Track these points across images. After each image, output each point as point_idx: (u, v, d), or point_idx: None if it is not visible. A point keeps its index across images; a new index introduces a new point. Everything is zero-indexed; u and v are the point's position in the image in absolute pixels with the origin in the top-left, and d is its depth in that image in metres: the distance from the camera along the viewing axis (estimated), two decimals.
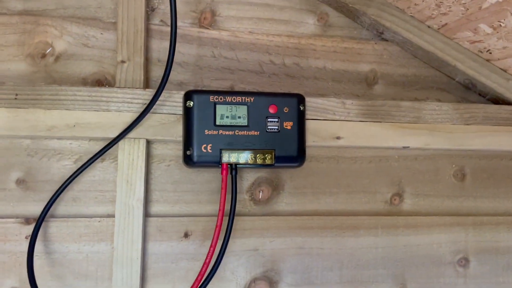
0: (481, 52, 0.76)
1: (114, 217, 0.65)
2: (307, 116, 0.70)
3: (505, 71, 0.78)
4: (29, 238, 0.62)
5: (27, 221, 0.65)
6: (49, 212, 0.63)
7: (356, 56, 0.79)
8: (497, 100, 0.80)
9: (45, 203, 0.63)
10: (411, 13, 0.76)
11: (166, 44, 0.66)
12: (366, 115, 0.73)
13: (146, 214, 0.68)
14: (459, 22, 0.71)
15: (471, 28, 0.71)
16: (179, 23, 0.72)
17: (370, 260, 0.75)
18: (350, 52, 0.79)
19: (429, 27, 0.76)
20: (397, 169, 0.78)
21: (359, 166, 0.76)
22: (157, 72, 0.71)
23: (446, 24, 0.73)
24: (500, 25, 0.66)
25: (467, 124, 0.76)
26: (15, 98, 0.63)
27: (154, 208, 0.69)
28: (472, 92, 0.82)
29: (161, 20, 0.73)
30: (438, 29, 0.76)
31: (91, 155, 0.64)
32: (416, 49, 0.78)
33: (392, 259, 0.75)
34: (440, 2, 0.68)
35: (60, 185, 0.64)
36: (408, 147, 0.76)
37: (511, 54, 0.73)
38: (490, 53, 0.75)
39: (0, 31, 0.68)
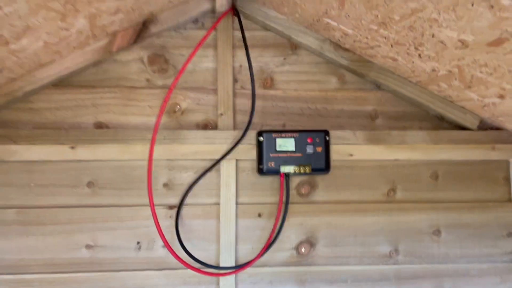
0: (445, 98, 1.18)
1: (219, 204, 1.14)
2: (332, 142, 1.15)
3: (463, 107, 1.19)
4: (174, 217, 1.12)
5: (170, 207, 1.15)
6: (183, 202, 1.12)
7: (363, 101, 1.23)
8: (459, 126, 1.21)
9: (180, 197, 1.13)
10: (398, 73, 1.18)
11: (245, 101, 1.14)
12: (369, 140, 1.17)
13: (236, 203, 1.16)
14: (428, 80, 1.13)
15: (435, 84, 1.13)
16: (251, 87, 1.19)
17: (374, 231, 1.19)
18: (360, 99, 1.23)
19: (410, 81, 1.19)
20: (391, 173, 1.21)
21: (366, 172, 1.20)
22: (240, 118, 1.19)
23: (420, 81, 1.16)
24: (451, 85, 1.08)
25: (436, 144, 1.18)
26: (164, 138, 1.13)
27: (241, 199, 1.17)
28: (443, 122, 1.24)
29: (241, 87, 1.20)
30: (416, 83, 1.18)
31: (205, 169, 1.13)
32: (402, 96, 1.21)
33: (388, 230, 1.19)
34: (413, 70, 1.10)
35: (188, 187, 1.13)
36: (398, 159, 1.19)
37: (464, 99, 1.14)
38: (451, 97, 1.16)
39: (151, 97, 1.17)
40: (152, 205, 1.07)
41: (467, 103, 1.15)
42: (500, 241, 1.21)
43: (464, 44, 0.88)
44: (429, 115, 1.24)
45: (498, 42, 0.82)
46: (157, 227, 1.07)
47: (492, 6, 0.73)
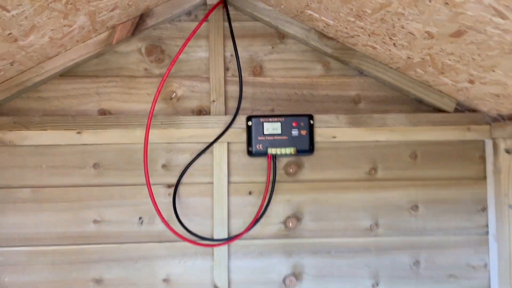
0: (423, 82, 1.26)
1: (213, 183, 1.24)
2: (316, 125, 1.25)
3: (440, 91, 1.27)
4: (171, 194, 1.23)
5: (168, 186, 1.26)
6: (180, 181, 1.24)
7: (347, 86, 1.31)
8: (437, 109, 1.29)
9: (177, 177, 1.24)
10: (378, 60, 1.26)
11: (236, 88, 1.24)
12: (351, 123, 1.26)
13: (229, 182, 1.26)
14: (406, 67, 1.21)
15: (413, 70, 1.21)
16: (242, 75, 1.28)
17: (356, 207, 1.29)
18: (343, 84, 1.31)
19: (390, 67, 1.27)
20: (373, 154, 1.30)
21: (348, 152, 1.30)
22: (232, 104, 1.28)
23: (399, 67, 1.24)
24: (426, 71, 1.16)
25: (415, 126, 1.27)
26: (161, 123, 1.23)
27: (233, 178, 1.27)
28: (422, 105, 1.31)
29: (232, 75, 1.29)
30: (396, 69, 1.26)
31: (199, 151, 1.24)
32: (384, 81, 1.29)
33: (369, 206, 1.29)
34: (391, 57, 1.18)
35: (184, 167, 1.24)
36: (378, 140, 1.28)
37: (439, 83, 1.21)
38: (428, 82, 1.24)
39: (149, 85, 1.27)
40: (148, 184, 1.19)
41: (443, 87, 1.22)
42: (475, 216, 1.30)
43: (430, 35, 0.96)
44: (409, 98, 1.32)
45: (458, 34, 0.89)
46: (153, 204, 1.19)
47: (447, 3, 0.80)
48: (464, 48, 0.94)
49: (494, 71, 0.98)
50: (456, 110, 1.29)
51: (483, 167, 1.31)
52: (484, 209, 1.30)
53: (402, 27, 0.98)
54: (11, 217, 1.22)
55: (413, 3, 0.86)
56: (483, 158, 1.31)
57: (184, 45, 1.20)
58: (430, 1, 0.82)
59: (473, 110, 1.28)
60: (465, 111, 1.29)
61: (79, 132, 1.21)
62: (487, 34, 0.84)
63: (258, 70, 1.30)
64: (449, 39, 0.93)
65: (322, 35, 1.26)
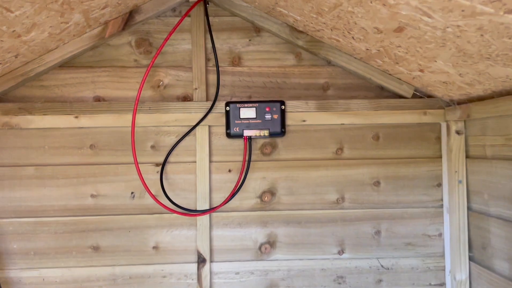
0: (384, 71, 1.40)
1: (196, 162, 1.40)
2: (287, 110, 1.40)
3: (399, 79, 1.41)
4: (159, 172, 1.39)
5: (156, 164, 1.42)
6: (167, 160, 1.39)
7: (317, 75, 1.46)
8: (397, 95, 1.44)
9: (164, 156, 1.39)
10: (344, 51, 1.40)
11: (216, 76, 1.39)
12: (319, 108, 1.41)
13: (210, 161, 1.42)
14: (367, 57, 1.35)
15: (373, 60, 1.35)
16: (222, 64, 1.43)
17: (324, 183, 1.45)
18: (314, 73, 1.46)
19: (355, 58, 1.41)
20: (339, 135, 1.45)
21: (317, 134, 1.45)
22: (212, 92, 1.43)
23: (362, 57, 1.38)
24: (384, 61, 1.30)
25: (376, 110, 1.42)
26: (149, 108, 1.38)
27: (214, 158, 1.43)
28: (384, 91, 1.46)
29: (213, 64, 1.44)
30: (359, 59, 1.40)
31: (183, 134, 1.39)
32: (349, 70, 1.43)
33: (336, 182, 1.45)
34: (354, 48, 1.32)
35: (170, 148, 1.39)
36: (344, 123, 1.43)
37: (397, 72, 1.36)
38: (388, 70, 1.39)
39: (138, 75, 1.42)
40: (136, 163, 1.34)
41: (401, 75, 1.37)
42: (431, 190, 1.45)
43: (378, 30, 1.10)
44: (372, 86, 1.46)
45: (399, 30, 1.04)
46: (141, 181, 1.35)
47: (384, 4, 0.95)
48: (407, 41, 1.08)
49: (436, 61, 1.13)
50: (415, 96, 1.43)
51: (439, 147, 1.46)
52: (440, 184, 1.45)
53: (355, 23, 1.13)
54: (17, 192, 1.38)
55: (359, 3, 1.00)
56: (439, 139, 1.46)
57: (167, 38, 1.34)
58: (371, 2, 0.96)
59: (430, 96, 1.43)
60: (424, 96, 1.44)
61: (76, 117, 1.37)
62: (421, 30, 0.99)
63: (236, 61, 1.45)
64: (394, 34, 1.08)
65: (293, 28, 1.40)
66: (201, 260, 1.40)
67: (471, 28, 0.87)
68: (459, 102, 1.35)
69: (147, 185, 1.38)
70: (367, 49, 1.28)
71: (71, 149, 1.40)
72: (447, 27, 0.91)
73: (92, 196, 1.40)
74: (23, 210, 1.38)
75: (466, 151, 1.37)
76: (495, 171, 1.22)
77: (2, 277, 1.36)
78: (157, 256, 1.41)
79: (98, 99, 1.42)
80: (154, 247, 1.41)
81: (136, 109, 1.34)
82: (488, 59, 0.97)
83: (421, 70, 1.24)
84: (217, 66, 1.40)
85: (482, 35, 0.88)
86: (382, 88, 1.46)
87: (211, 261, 1.42)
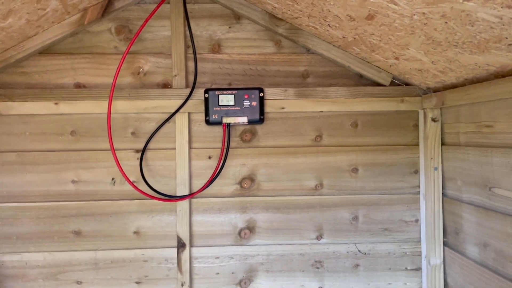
0: (362, 59, 1.41)
1: (175, 149, 1.42)
2: (266, 98, 1.41)
3: (378, 67, 1.42)
4: (139, 159, 1.40)
5: (137, 151, 1.43)
6: (147, 147, 1.41)
7: (297, 63, 1.47)
8: (375, 83, 1.45)
9: (144, 143, 1.41)
10: (322, 39, 1.41)
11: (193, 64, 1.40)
12: (298, 96, 1.42)
13: (190, 147, 1.44)
14: (345, 45, 1.36)
15: (351, 48, 1.36)
16: (202, 52, 1.43)
17: (303, 169, 1.46)
18: (293, 61, 1.47)
19: (334, 45, 1.42)
20: (318, 123, 1.47)
21: (296, 121, 1.46)
22: (192, 78, 1.44)
23: (340, 45, 1.39)
24: (361, 49, 1.31)
25: (354, 98, 1.43)
26: (129, 95, 1.39)
27: (194, 145, 1.45)
28: (363, 79, 1.47)
29: (191, 52, 1.44)
30: (338, 47, 1.41)
31: (163, 120, 1.40)
32: (328, 58, 1.44)
33: (314, 168, 1.47)
34: (331, 36, 1.33)
35: (150, 135, 1.41)
36: (322, 111, 1.45)
37: (375, 60, 1.37)
38: (366, 58, 1.40)
39: (118, 62, 1.43)
40: (113, 149, 1.36)
41: (378, 63, 1.38)
42: (408, 177, 1.48)
43: (351, 18, 1.11)
44: (351, 73, 1.47)
45: (370, 17, 1.05)
46: (118, 167, 1.36)
47: None
48: (379, 29, 1.09)
49: (408, 49, 1.14)
50: (393, 84, 1.45)
51: (416, 134, 1.47)
52: (417, 171, 1.47)
53: (329, 11, 1.13)
54: None
55: None
56: (417, 127, 1.47)
57: (144, 24, 1.35)
58: None
59: (408, 84, 1.44)
60: (402, 84, 1.45)
61: (56, 103, 1.38)
62: (390, 18, 1.00)
63: (216, 48, 1.46)
64: (366, 22, 1.09)
65: (272, 16, 1.41)
66: (180, 245, 1.42)
67: (435, 16, 0.88)
68: (435, 90, 1.37)
69: (127, 171, 1.40)
70: (344, 37, 1.29)
71: (52, 136, 1.41)
72: (414, 15, 0.92)
73: (73, 182, 1.42)
74: (5, 195, 1.40)
75: (442, 138, 1.39)
76: (467, 158, 1.24)
77: None
78: (138, 241, 1.44)
79: (78, 85, 1.43)
80: (135, 232, 1.44)
81: (112, 96, 1.35)
82: (456, 46, 0.98)
83: (396, 58, 1.25)
84: (195, 53, 1.41)
85: (446, 22, 0.89)
86: (361, 76, 1.47)
87: (191, 246, 1.44)
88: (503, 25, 0.80)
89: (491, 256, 1.14)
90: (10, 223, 1.40)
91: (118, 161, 1.36)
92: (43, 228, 1.41)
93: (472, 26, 0.85)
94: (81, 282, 1.42)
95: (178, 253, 1.43)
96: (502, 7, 0.74)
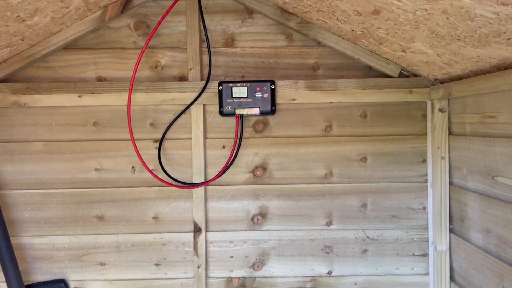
0: (371, 51, 1.45)
1: (191, 139, 1.49)
2: (277, 89, 1.47)
3: (386, 59, 1.46)
4: (157, 148, 1.48)
5: (155, 141, 1.51)
6: (164, 137, 1.49)
7: (307, 55, 1.52)
8: (384, 74, 1.49)
9: (162, 133, 1.49)
10: (332, 32, 1.46)
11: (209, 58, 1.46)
12: (308, 87, 1.48)
13: (205, 137, 1.51)
14: (354, 38, 1.40)
15: (360, 41, 1.40)
16: (216, 46, 1.50)
17: (313, 159, 1.52)
18: (304, 53, 1.52)
19: (343, 38, 1.46)
20: (328, 113, 1.52)
21: (307, 112, 1.52)
22: (207, 71, 1.50)
23: (349, 38, 1.43)
24: (369, 41, 1.36)
25: (364, 89, 1.47)
26: (147, 88, 1.47)
27: (208, 135, 1.52)
28: (372, 71, 1.51)
29: (206, 46, 1.50)
30: (347, 39, 1.45)
31: (180, 112, 1.48)
32: (338, 50, 1.49)
33: (324, 158, 1.52)
34: (341, 30, 1.38)
35: (167, 125, 1.48)
36: (332, 102, 1.50)
37: (383, 52, 1.41)
38: (375, 51, 1.44)
39: (137, 56, 1.50)
40: (132, 139, 1.44)
41: (387, 55, 1.42)
42: (416, 166, 1.52)
43: (358, 13, 1.15)
44: (361, 65, 1.52)
45: (376, 12, 1.09)
46: (138, 156, 1.44)
47: None
48: (386, 23, 1.14)
49: (414, 42, 1.18)
50: (402, 76, 1.49)
51: (424, 124, 1.51)
52: (425, 160, 1.52)
53: (337, 6, 1.18)
54: (27, 166, 1.50)
55: None
56: (425, 117, 1.51)
57: (161, 20, 1.42)
58: None
59: (416, 75, 1.48)
60: (410, 76, 1.49)
61: (80, 96, 1.46)
62: (395, 13, 1.04)
63: (230, 42, 1.52)
64: (373, 16, 1.13)
65: (283, 10, 1.46)
66: (197, 230, 1.50)
67: (436, 12, 0.92)
68: (442, 81, 1.40)
69: (147, 160, 1.48)
70: (352, 30, 1.33)
71: (75, 126, 1.50)
72: (416, 10, 0.96)
73: (96, 170, 1.51)
74: (33, 182, 1.50)
75: (449, 128, 1.42)
76: (472, 147, 1.28)
77: (16, 243, 1.49)
78: (157, 225, 1.52)
79: (100, 79, 1.51)
80: (154, 217, 1.52)
81: (131, 89, 1.43)
82: (458, 40, 1.02)
83: (403, 51, 1.29)
84: (209, 47, 1.47)
85: (447, 17, 0.93)
86: (370, 68, 1.51)
87: (206, 231, 1.52)
88: (500, 20, 0.84)
89: (494, 242, 1.18)
90: (38, 208, 1.50)
91: (137, 151, 1.44)
92: (68, 213, 1.51)
93: (472, 21, 0.89)
94: (104, 264, 1.52)
95: (194, 237, 1.51)
96: (497, 4, 0.78)
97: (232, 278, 1.53)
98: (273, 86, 1.45)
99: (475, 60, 1.11)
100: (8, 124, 1.49)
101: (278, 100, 1.48)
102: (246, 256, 1.53)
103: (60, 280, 1.50)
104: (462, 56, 1.12)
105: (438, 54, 1.19)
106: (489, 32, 0.91)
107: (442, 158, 1.43)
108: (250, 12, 1.51)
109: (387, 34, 1.22)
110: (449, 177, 1.43)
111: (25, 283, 1.47)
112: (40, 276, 1.51)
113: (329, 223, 1.53)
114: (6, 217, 1.46)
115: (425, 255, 1.53)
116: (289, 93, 1.48)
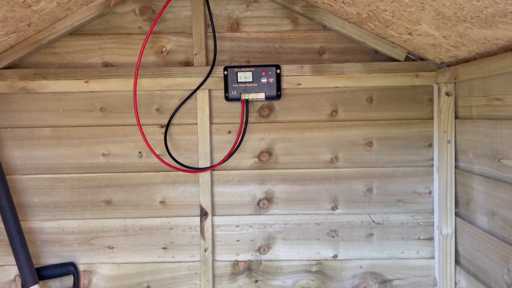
0: (377, 35, 1.44)
1: (197, 124, 1.50)
2: (283, 74, 1.47)
3: (393, 42, 1.45)
4: (164, 133, 1.49)
5: (161, 126, 1.52)
6: (170, 122, 1.50)
7: (313, 39, 1.51)
8: (390, 58, 1.48)
9: (168, 118, 1.50)
10: (338, 16, 1.45)
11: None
12: (314, 72, 1.47)
13: (211, 122, 1.52)
14: (360, 21, 1.40)
15: (366, 24, 1.39)
16: (221, 30, 1.49)
17: (319, 143, 1.53)
18: (310, 37, 1.51)
19: (349, 22, 1.45)
20: (334, 98, 1.52)
21: (312, 97, 1.52)
22: (212, 56, 1.50)
23: (355, 22, 1.42)
24: (375, 25, 1.35)
25: (369, 73, 1.47)
26: (153, 73, 1.48)
27: (214, 120, 1.52)
28: (379, 54, 1.50)
29: (211, 31, 1.50)
30: (353, 23, 1.44)
31: (185, 97, 1.48)
32: (344, 34, 1.48)
33: (330, 142, 1.52)
34: (346, 13, 1.37)
35: (173, 111, 1.49)
36: (338, 86, 1.49)
37: (389, 35, 1.40)
38: (381, 34, 1.43)
39: (142, 41, 1.50)
40: (139, 125, 1.45)
41: (393, 38, 1.41)
42: (422, 150, 1.52)
43: None
44: (367, 49, 1.51)
45: None
46: (145, 141, 1.45)
47: None
48: (391, 5, 1.13)
49: (420, 24, 1.17)
50: (408, 59, 1.48)
51: (431, 108, 1.51)
52: (431, 145, 1.51)
53: None
54: (36, 151, 1.52)
55: None
56: (431, 101, 1.50)
57: (165, 5, 1.42)
58: None
59: (422, 59, 1.47)
60: (416, 59, 1.48)
61: (86, 82, 1.48)
62: None
63: (235, 27, 1.51)
64: None
65: None
66: (203, 214, 1.52)
67: None
68: (449, 64, 1.39)
69: (153, 145, 1.49)
70: (358, 13, 1.32)
71: (83, 112, 1.52)
72: None
73: (104, 155, 1.53)
74: (42, 167, 1.52)
75: (456, 112, 1.42)
76: (478, 131, 1.27)
77: (26, 227, 1.51)
78: (164, 210, 1.54)
79: (106, 64, 1.51)
80: (161, 202, 1.54)
81: (137, 74, 1.44)
82: (465, 21, 1.01)
83: (410, 33, 1.28)
84: (214, 32, 1.47)
85: None
86: (376, 51, 1.50)
87: (213, 215, 1.54)
88: (507, 0, 0.83)
89: (499, 224, 1.19)
90: (47, 193, 1.53)
91: (144, 136, 1.45)
92: (77, 198, 1.53)
93: (478, 1, 0.88)
94: (112, 247, 1.54)
95: (201, 221, 1.52)
96: None
97: (238, 261, 1.55)
98: (278, 71, 1.45)
99: (482, 42, 1.10)
100: (16, 110, 1.51)
101: (284, 84, 1.48)
102: (252, 240, 1.55)
103: (70, 263, 1.53)
104: (469, 37, 1.11)
105: (444, 36, 1.18)
106: (496, 12, 0.90)
107: (448, 142, 1.43)
108: None
109: (393, 17, 1.21)
110: (455, 161, 1.43)
111: (36, 266, 1.50)
112: (50, 259, 1.54)
113: (334, 208, 1.54)
114: (16, 201, 1.49)
115: (431, 239, 1.53)
116: (294, 77, 1.48)
